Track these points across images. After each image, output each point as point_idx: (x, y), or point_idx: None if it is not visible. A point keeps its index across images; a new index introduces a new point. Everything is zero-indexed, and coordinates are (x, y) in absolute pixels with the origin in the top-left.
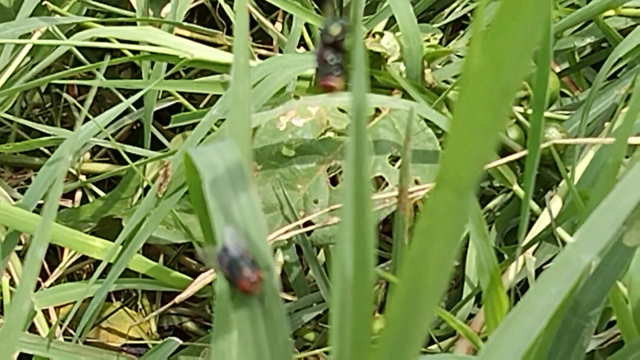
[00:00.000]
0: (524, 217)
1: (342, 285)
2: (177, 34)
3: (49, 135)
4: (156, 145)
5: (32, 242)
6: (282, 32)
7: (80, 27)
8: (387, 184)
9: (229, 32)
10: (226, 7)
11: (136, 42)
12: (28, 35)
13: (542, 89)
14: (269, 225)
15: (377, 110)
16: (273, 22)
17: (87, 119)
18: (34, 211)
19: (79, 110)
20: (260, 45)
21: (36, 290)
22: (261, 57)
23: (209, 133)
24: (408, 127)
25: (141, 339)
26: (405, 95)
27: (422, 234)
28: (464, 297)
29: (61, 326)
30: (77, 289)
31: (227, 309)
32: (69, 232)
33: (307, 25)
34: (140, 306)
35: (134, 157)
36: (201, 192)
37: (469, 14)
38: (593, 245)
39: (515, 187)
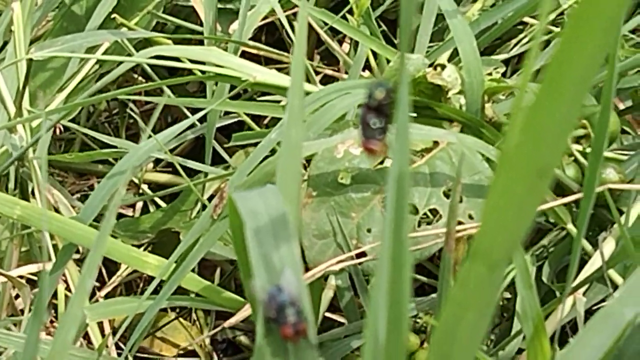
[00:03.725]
0: (574, 260)
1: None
2: (244, 51)
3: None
4: (217, 159)
5: (83, 268)
6: (348, 53)
7: (147, 39)
8: (440, 217)
9: None
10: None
11: (202, 62)
12: (97, 47)
13: (602, 133)
14: (321, 251)
15: (436, 142)
16: (340, 42)
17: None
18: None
19: (144, 118)
20: (326, 67)
21: (91, 297)
22: (326, 76)
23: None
24: (458, 170)
25: (194, 350)
26: (464, 128)
27: (454, 305)
28: (513, 331)
29: (114, 336)
30: (130, 304)
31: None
32: (123, 247)
33: None
34: (194, 317)
35: (196, 170)
36: (242, 235)
37: None
38: (637, 301)
39: (570, 226)
